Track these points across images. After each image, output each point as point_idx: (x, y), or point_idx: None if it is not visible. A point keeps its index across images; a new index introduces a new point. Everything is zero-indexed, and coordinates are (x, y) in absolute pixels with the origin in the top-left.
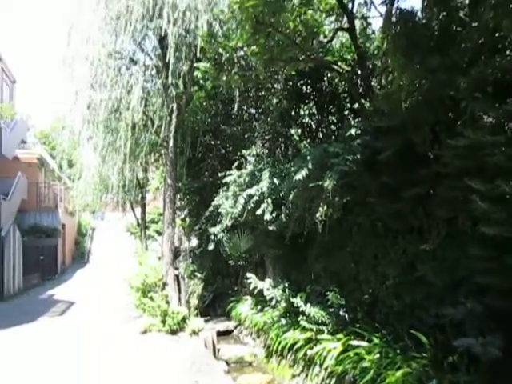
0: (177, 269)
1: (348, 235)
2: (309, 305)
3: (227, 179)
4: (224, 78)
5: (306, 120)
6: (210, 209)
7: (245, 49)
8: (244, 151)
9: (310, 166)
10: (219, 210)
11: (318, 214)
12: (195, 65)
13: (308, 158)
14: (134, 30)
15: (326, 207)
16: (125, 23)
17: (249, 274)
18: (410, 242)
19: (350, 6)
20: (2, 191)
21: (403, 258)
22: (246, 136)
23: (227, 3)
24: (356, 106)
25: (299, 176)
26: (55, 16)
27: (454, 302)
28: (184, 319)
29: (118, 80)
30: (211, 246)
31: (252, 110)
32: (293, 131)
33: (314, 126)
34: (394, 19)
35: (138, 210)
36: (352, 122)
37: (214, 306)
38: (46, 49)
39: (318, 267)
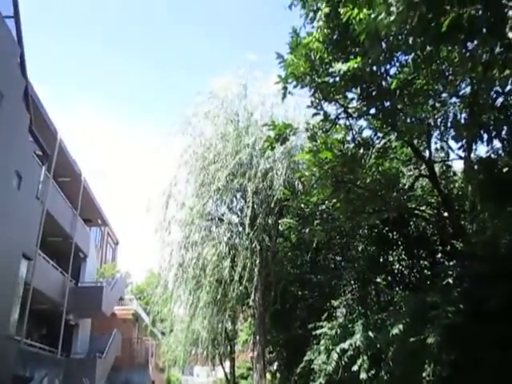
0: None
1: None
2: None
3: (318, 332)
4: (307, 231)
5: (396, 266)
6: (302, 364)
7: (326, 202)
8: (333, 301)
9: (406, 318)
10: (312, 366)
11: (424, 374)
12: (279, 221)
13: (404, 308)
14: (221, 192)
15: (432, 365)
16: (214, 188)
17: None
18: None
19: (427, 152)
20: (98, 348)
21: None
22: (333, 284)
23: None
24: (448, 248)
25: (396, 330)
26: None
27: None
28: None
29: (207, 239)
30: None
31: (338, 258)
32: (382, 278)
33: (405, 272)
34: (475, 167)
35: (227, 364)
36: (446, 266)
37: None
38: (144, 213)
39: None
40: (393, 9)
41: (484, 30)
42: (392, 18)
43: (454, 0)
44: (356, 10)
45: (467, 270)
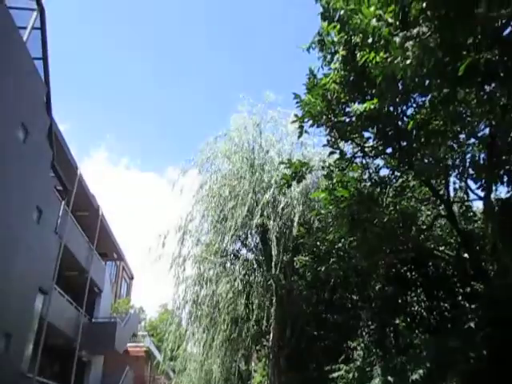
0: None
1: None
2: None
3: (335, 374)
4: (323, 269)
5: (415, 307)
6: None
7: (343, 240)
8: (350, 342)
9: (427, 363)
10: None
11: None
12: (295, 259)
13: (424, 352)
14: (237, 229)
15: None
16: (229, 224)
17: None
18: None
19: (445, 192)
20: None
21: None
22: (350, 325)
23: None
24: (469, 290)
25: (416, 375)
26: (169, 222)
27: None
28: None
29: (222, 275)
30: None
31: (354, 297)
32: (401, 320)
33: (424, 314)
34: (496, 208)
35: None
36: (468, 309)
37: None
38: (159, 248)
39: None
40: (409, 53)
41: (501, 74)
42: (408, 61)
43: (471, 46)
44: (373, 54)
45: (489, 313)
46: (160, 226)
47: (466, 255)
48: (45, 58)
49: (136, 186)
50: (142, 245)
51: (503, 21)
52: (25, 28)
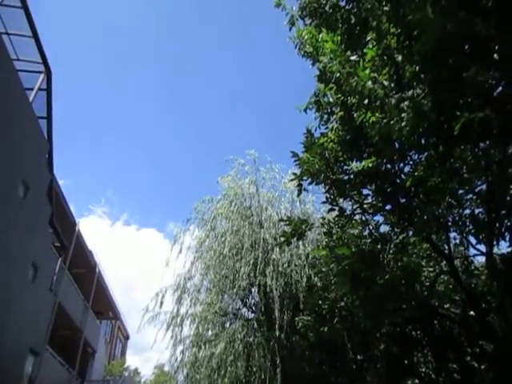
0: None
1: None
2: None
3: None
4: (326, 330)
5: (423, 368)
6: None
7: (345, 299)
8: None
9: None
10: None
11: None
12: (296, 318)
13: None
14: (237, 287)
15: None
16: (230, 283)
17: None
18: None
19: (446, 248)
20: None
21: None
22: None
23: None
24: (477, 349)
25: None
26: (166, 280)
27: None
28: None
29: (221, 335)
30: None
31: (359, 357)
32: (409, 382)
33: (433, 376)
34: (499, 263)
35: None
36: (477, 370)
37: None
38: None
39: None
40: (404, 115)
41: (495, 132)
42: (404, 123)
43: (464, 105)
44: (369, 114)
45: (500, 374)
46: (158, 283)
47: (472, 313)
48: (49, 117)
49: (135, 242)
50: (139, 304)
51: (493, 82)
52: (32, 89)
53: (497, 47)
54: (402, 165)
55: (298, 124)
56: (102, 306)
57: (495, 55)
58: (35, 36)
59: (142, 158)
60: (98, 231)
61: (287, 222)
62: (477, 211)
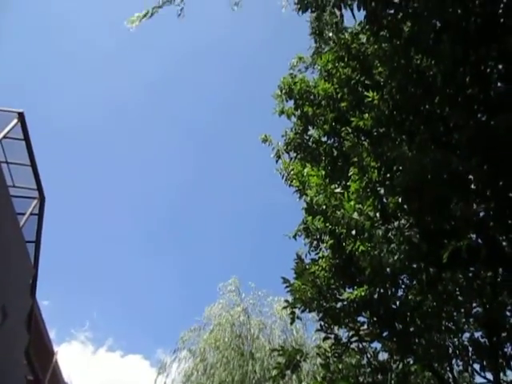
0: None
1: None
2: None
3: None
4: None
5: None
6: None
7: None
8: None
9: None
10: None
11: None
12: None
13: None
14: None
15: None
16: None
17: None
18: None
19: (449, 375)
20: None
21: None
22: None
23: None
24: None
25: None
26: None
27: None
28: None
29: None
30: None
31: None
32: None
33: None
34: None
35: None
36: None
37: None
38: None
39: None
40: (393, 245)
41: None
42: (396, 256)
43: (449, 232)
44: (358, 243)
45: None
46: None
47: None
48: (38, 242)
49: (118, 370)
50: None
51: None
52: (23, 214)
53: (473, 178)
54: (394, 289)
55: (283, 247)
56: None
57: (472, 185)
58: (33, 166)
59: (130, 278)
60: (78, 359)
61: (280, 352)
62: (476, 335)
